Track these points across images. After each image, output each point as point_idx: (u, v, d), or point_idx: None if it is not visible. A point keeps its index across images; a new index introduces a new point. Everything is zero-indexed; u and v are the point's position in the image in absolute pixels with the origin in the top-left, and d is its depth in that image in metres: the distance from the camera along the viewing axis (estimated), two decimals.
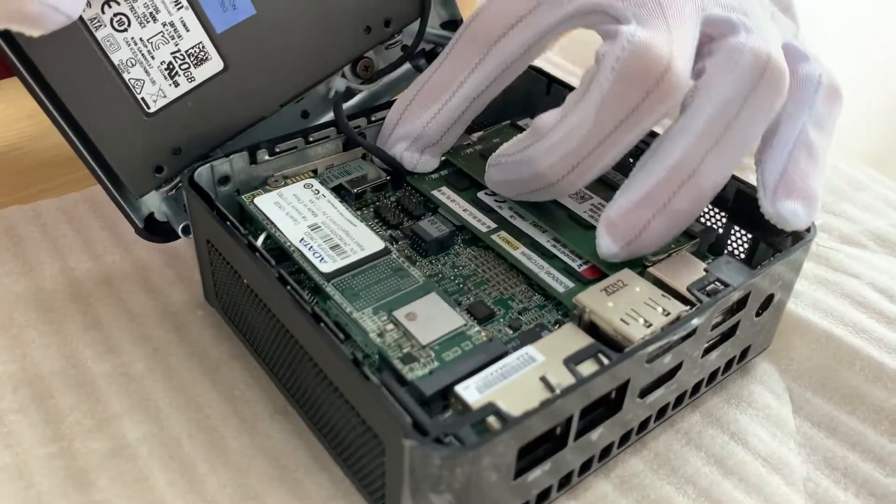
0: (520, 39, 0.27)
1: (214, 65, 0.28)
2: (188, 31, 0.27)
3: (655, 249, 0.26)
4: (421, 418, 0.20)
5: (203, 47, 0.27)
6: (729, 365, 0.27)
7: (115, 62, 0.26)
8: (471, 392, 0.21)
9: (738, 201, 0.28)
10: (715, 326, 0.25)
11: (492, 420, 0.20)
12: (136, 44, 0.26)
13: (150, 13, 0.26)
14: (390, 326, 0.24)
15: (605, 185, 0.30)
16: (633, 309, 0.24)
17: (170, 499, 0.24)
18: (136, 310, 0.30)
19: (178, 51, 0.27)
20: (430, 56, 0.34)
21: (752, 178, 0.30)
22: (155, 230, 0.30)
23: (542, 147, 0.25)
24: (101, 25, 0.25)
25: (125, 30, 0.26)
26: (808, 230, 0.26)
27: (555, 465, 0.22)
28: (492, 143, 0.32)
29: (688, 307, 0.24)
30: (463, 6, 0.35)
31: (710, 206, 0.30)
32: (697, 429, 0.27)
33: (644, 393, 0.24)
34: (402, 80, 0.35)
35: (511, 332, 0.25)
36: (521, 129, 0.34)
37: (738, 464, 0.26)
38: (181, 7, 0.26)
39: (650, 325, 0.23)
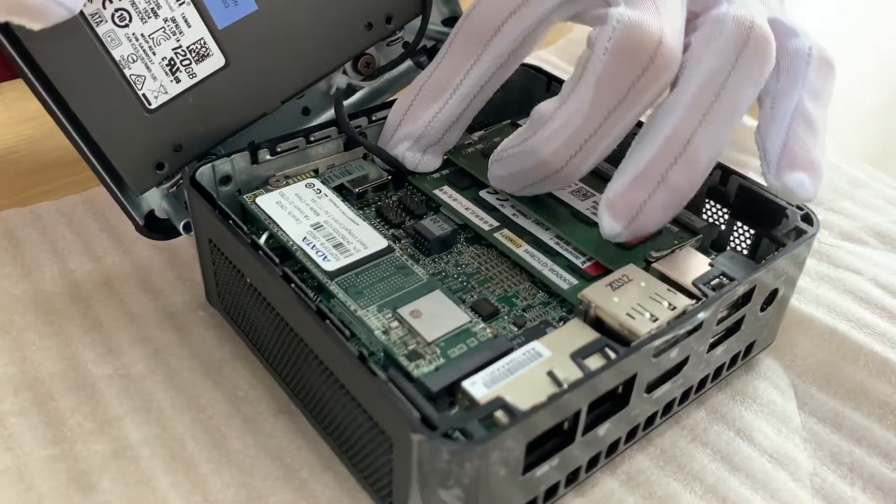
0: (515, 31, 0.27)
1: (216, 61, 0.28)
2: (190, 26, 0.27)
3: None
4: (429, 413, 0.20)
5: (204, 43, 0.27)
6: (734, 360, 0.27)
7: (117, 58, 0.26)
8: (478, 387, 0.21)
9: (741, 197, 0.28)
10: (720, 321, 0.25)
11: (500, 414, 0.20)
12: (137, 39, 0.26)
13: (152, 9, 0.26)
14: (395, 324, 0.24)
15: (607, 182, 0.30)
16: (638, 303, 0.24)
17: (173, 500, 0.24)
18: (137, 311, 0.30)
19: (180, 47, 0.27)
20: (432, 53, 0.34)
21: (752, 174, 0.30)
22: (155, 228, 0.29)
23: (543, 135, 0.25)
24: (102, 21, 0.25)
25: (126, 25, 0.26)
26: (811, 224, 0.26)
27: (562, 461, 0.22)
28: (492, 142, 0.32)
29: (693, 301, 0.24)
30: (464, 3, 0.35)
31: (713, 203, 0.30)
32: (703, 425, 0.27)
33: (651, 388, 0.24)
34: (403, 77, 0.35)
35: (516, 329, 0.25)
36: None
37: (745, 460, 0.26)
38: (183, 3, 0.26)
39: (656, 320, 0.23)
